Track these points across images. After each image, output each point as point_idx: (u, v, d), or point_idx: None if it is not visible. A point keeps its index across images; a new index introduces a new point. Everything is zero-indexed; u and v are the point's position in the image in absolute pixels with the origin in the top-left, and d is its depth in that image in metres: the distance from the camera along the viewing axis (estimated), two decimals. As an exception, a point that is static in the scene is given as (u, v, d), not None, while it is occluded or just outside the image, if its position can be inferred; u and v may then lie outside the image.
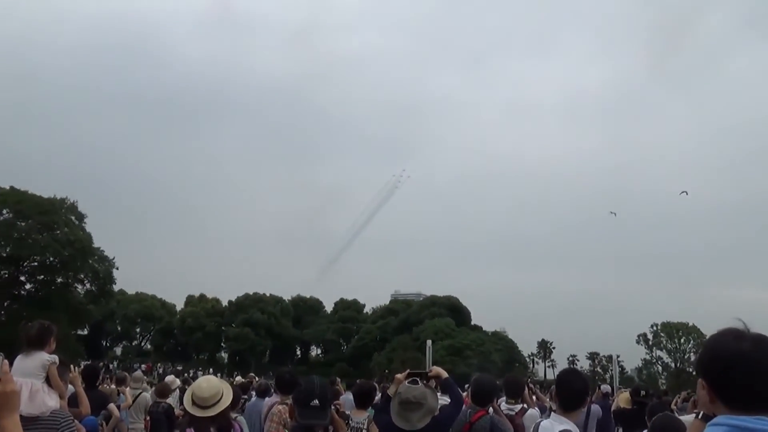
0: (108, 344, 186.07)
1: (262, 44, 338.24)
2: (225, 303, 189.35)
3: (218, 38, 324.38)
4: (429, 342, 62.75)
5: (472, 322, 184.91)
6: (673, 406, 24.18)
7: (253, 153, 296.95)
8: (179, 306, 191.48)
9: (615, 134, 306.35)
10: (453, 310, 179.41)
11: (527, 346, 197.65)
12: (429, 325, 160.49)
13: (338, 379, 32.92)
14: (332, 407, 8.61)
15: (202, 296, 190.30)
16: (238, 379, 39.60)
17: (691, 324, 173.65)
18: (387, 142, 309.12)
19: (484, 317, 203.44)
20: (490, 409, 12.26)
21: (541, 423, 8.20)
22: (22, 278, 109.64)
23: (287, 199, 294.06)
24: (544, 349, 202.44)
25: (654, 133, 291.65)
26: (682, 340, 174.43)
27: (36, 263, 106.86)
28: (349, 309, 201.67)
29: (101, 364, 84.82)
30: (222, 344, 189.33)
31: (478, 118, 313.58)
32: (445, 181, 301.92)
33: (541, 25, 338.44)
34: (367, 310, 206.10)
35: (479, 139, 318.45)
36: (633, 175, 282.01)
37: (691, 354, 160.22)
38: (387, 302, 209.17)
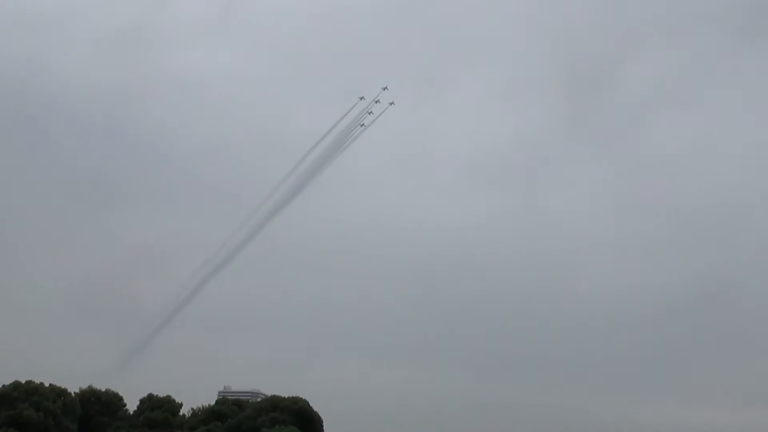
0: None
1: (66, 44, 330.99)
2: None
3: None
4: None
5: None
6: None
7: (35, 187, 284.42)
8: None
9: (521, 200, 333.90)
10: (300, 416, 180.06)
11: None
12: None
13: None
14: None
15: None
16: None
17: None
18: (230, 190, 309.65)
19: (341, 428, 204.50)
20: None
21: None
22: None
23: (82, 255, 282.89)
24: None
25: (567, 202, 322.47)
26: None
27: None
28: (159, 409, 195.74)
29: None
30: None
31: (354, 169, 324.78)
32: (298, 248, 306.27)
33: (438, 58, 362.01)
34: (185, 411, 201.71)
35: (352, 197, 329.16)
36: (539, 253, 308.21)
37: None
38: (212, 402, 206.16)
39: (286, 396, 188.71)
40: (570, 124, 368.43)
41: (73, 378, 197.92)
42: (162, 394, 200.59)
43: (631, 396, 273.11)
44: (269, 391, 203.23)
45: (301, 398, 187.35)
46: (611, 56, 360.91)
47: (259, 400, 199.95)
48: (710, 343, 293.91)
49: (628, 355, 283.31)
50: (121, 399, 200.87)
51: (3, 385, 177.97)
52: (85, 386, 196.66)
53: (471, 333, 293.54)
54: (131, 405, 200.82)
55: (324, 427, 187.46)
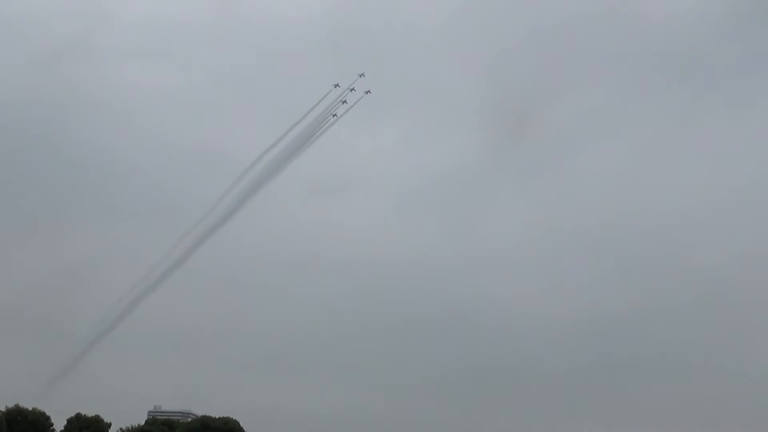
0: None
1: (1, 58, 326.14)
2: None
3: None
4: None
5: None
6: None
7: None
8: None
9: (448, 225, 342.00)
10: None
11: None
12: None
13: None
14: None
15: None
16: None
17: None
18: (171, 207, 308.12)
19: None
20: None
21: None
22: None
23: (11, 271, 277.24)
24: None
25: (496, 230, 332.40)
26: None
27: None
28: (88, 429, 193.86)
29: None
30: None
31: (287, 191, 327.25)
32: (232, 269, 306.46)
33: (371, 87, 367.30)
34: (114, 431, 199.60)
35: (284, 220, 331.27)
36: (462, 276, 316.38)
37: None
38: (142, 422, 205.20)
39: (217, 416, 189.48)
40: (499, 155, 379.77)
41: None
42: (90, 413, 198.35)
43: (553, 419, 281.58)
44: (200, 411, 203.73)
45: (232, 419, 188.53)
46: (539, 90, 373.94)
47: (189, 420, 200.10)
48: (631, 368, 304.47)
49: (554, 379, 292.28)
50: (48, 418, 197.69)
51: None
52: (11, 405, 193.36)
53: (401, 357, 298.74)
54: (59, 424, 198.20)
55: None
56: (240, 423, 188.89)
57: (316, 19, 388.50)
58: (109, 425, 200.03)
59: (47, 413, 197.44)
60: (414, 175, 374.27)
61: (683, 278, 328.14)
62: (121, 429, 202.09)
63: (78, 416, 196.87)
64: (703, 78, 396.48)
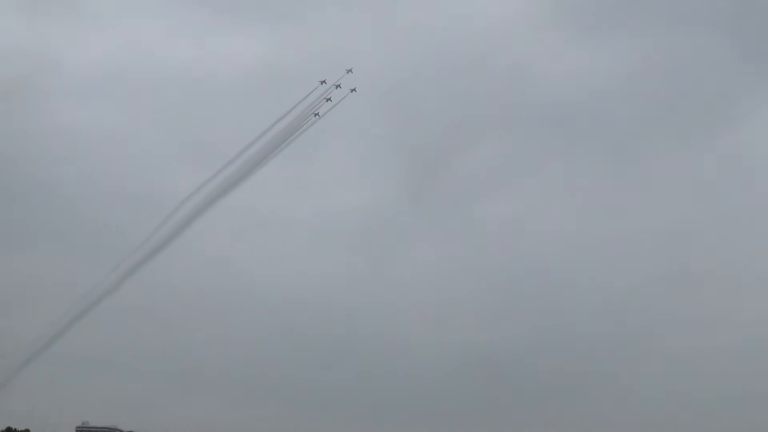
0: None
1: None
2: None
3: None
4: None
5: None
6: None
7: None
8: None
9: (369, 265, 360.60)
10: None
11: None
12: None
13: None
14: None
15: None
16: None
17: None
18: (111, 235, 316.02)
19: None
20: None
21: None
22: None
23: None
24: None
25: (409, 267, 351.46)
26: None
27: None
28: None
29: None
30: None
31: (210, 225, 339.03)
32: (165, 292, 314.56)
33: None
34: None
35: (216, 251, 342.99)
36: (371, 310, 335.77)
37: None
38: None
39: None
40: (413, 198, 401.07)
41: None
42: (21, 427, 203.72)
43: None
44: (126, 427, 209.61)
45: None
46: (449, 143, 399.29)
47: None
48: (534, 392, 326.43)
49: (461, 404, 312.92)
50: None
51: None
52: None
53: (317, 379, 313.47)
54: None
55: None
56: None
57: (245, 71, 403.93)
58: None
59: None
60: (330, 214, 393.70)
61: (569, 313, 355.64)
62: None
63: (8, 430, 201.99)
64: (592, 135, 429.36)
